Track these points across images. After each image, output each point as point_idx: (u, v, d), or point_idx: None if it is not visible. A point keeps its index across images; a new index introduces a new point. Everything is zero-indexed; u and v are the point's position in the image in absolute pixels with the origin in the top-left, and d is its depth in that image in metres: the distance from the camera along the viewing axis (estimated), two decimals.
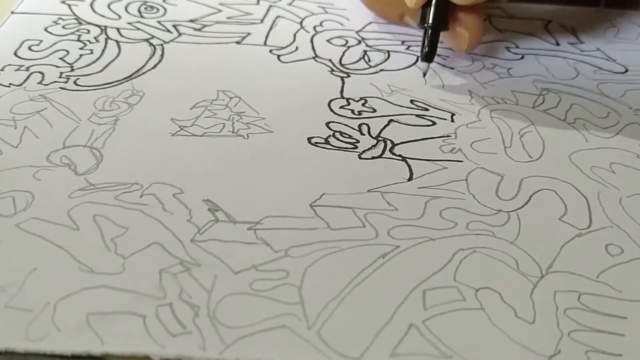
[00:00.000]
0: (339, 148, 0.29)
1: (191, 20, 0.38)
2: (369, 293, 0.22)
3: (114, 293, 0.22)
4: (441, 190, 0.27)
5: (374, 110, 0.31)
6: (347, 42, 0.37)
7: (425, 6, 0.33)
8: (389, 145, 0.29)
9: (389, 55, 0.35)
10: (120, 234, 0.24)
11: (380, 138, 0.29)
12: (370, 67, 0.34)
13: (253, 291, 0.22)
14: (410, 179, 0.27)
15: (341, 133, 0.30)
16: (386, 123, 0.30)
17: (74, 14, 0.37)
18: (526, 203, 0.26)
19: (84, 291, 0.22)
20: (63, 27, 0.36)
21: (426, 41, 0.33)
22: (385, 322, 0.22)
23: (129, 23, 0.37)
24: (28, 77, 0.32)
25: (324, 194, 0.26)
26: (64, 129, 0.29)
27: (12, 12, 0.37)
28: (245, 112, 0.31)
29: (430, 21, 0.32)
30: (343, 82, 0.33)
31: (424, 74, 0.33)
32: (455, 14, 0.33)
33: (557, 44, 0.37)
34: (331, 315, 0.22)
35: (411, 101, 0.32)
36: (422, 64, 0.33)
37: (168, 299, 0.22)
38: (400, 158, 0.28)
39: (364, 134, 0.30)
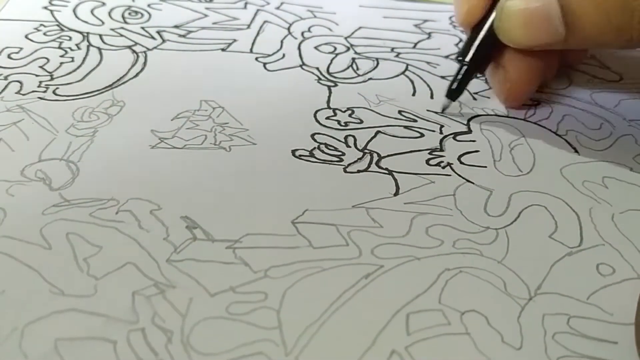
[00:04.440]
0: (324, 161, 0.28)
1: (176, 26, 0.37)
2: (350, 317, 0.22)
3: (84, 317, 0.21)
4: (428, 206, 0.26)
5: (361, 121, 0.30)
6: (335, 49, 0.36)
7: (474, 32, 0.29)
8: (375, 158, 0.28)
9: (377, 63, 0.35)
10: (94, 254, 0.23)
11: (366, 151, 0.29)
12: (359, 75, 0.34)
13: (229, 315, 0.21)
14: (396, 194, 0.27)
15: (326, 145, 0.29)
16: (373, 135, 0.30)
17: (56, 20, 0.37)
18: (515, 220, 0.26)
19: (54, 315, 0.21)
20: (44, 34, 0.35)
21: (457, 77, 0.30)
22: (366, 348, 0.21)
23: (112, 29, 0.36)
24: (6, 87, 0.31)
25: (307, 209, 0.26)
26: (40, 142, 0.28)
27: None
28: (229, 123, 0.30)
29: (468, 58, 0.29)
30: (330, 92, 0.32)
31: (443, 110, 0.31)
32: (502, 57, 0.29)
33: None
34: (310, 341, 0.21)
35: (399, 112, 0.31)
36: (444, 99, 0.30)
37: (140, 324, 0.21)
38: (386, 172, 0.28)
39: (349, 146, 0.29)
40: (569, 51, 0.31)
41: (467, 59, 0.29)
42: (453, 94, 0.30)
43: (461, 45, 0.36)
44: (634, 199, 0.27)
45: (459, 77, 0.30)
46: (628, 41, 0.25)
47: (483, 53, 0.29)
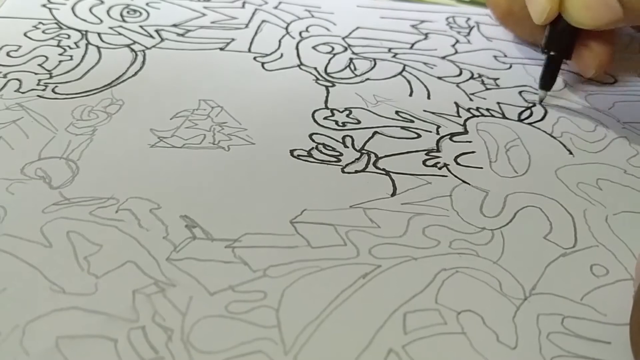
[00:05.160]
0: (322, 161, 0.28)
1: (174, 25, 0.37)
2: (348, 316, 0.22)
3: (85, 315, 0.21)
4: (425, 207, 0.26)
5: (359, 122, 0.31)
6: (333, 49, 0.36)
7: (553, 25, 0.31)
8: (373, 158, 0.29)
9: (375, 64, 0.35)
10: (94, 252, 0.23)
11: (364, 151, 0.29)
12: (356, 75, 0.34)
13: (229, 314, 0.22)
14: (393, 194, 0.27)
15: (324, 145, 0.29)
16: (370, 135, 0.30)
17: (55, 18, 0.37)
18: (511, 221, 0.26)
19: (55, 313, 0.21)
20: (43, 31, 0.35)
21: (547, 67, 0.32)
22: (364, 347, 0.21)
23: (111, 28, 0.36)
24: (5, 85, 0.31)
25: (305, 209, 0.26)
26: (40, 140, 0.28)
27: None
28: (227, 123, 0.30)
29: (554, 48, 0.32)
30: (328, 92, 0.32)
31: (540, 101, 0.33)
32: (584, 39, 0.32)
33: None
34: (309, 340, 0.21)
35: (396, 112, 0.31)
36: (539, 91, 0.33)
37: (141, 322, 0.21)
38: (383, 172, 0.28)
39: (347, 147, 0.29)
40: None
41: (554, 49, 0.32)
42: (546, 84, 0.32)
43: (458, 46, 0.36)
44: (627, 200, 0.27)
45: (549, 67, 0.32)
46: None
47: (566, 40, 0.31)
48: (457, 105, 0.32)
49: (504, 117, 0.31)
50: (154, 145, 0.28)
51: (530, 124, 0.31)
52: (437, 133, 0.30)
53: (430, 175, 0.28)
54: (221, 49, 0.35)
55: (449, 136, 0.30)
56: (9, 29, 0.35)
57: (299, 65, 0.34)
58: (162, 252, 0.24)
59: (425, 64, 0.35)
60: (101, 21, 0.37)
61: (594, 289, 0.24)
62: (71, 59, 0.33)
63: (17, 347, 0.20)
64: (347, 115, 0.31)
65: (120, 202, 0.25)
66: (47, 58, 0.33)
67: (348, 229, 0.25)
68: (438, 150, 0.29)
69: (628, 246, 0.25)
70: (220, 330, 0.21)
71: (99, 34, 0.36)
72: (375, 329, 0.22)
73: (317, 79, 0.33)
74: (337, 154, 0.29)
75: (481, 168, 0.28)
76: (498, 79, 0.34)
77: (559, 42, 0.31)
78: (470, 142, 0.30)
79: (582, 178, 0.28)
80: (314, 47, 0.36)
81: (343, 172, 0.28)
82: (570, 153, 0.30)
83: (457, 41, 0.37)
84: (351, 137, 0.30)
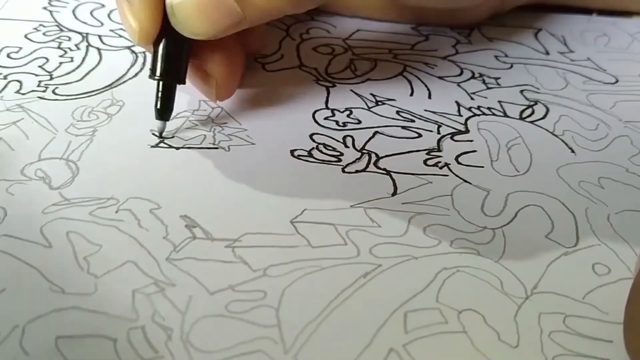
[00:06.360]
0: (323, 161, 0.28)
1: None
2: (349, 315, 0.22)
3: (85, 315, 0.21)
4: (425, 206, 0.26)
5: (359, 122, 0.31)
6: (333, 50, 0.36)
7: (157, 46, 0.27)
8: (374, 158, 0.28)
9: (375, 64, 0.35)
10: (94, 252, 0.23)
11: (364, 151, 0.29)
12: (357, 76, 0.34)
13: (229, 313, 0.22)
14: (394, 194, 0.27)
15: (325, 145, 0.29)
16: (371, 135, 0.30)
17: (56, 21, 0.37)
18: (512, 220, 0.26)
19: (54, 313, 0.21)
20: (44, 34, 0.36)
21: (159, 94, 0.28)
22: (364, 347, 0.21)
23: (111, 30, 0.36)
24: (5, 86, 0.31)
25: (305, 209, 0.26)
26: (40, 141, 0.28)
27: None
28: (228, 123, 0.30)
29: (159, 72, 0.27)
30: (328, 92, 0.32)
31: (160, 134, 0.28)
32: (198, 57, 0.28)
33: (547, 53, 0.36)
34: (309, 339, 0.21)
35: (397, 112, 0.31)
36: (157, 122, 0.28)
37: (140, 322, 0.21)
38: (384, 172, 0.28)
39: (348, 147, 0.29)
40: (249, 39, 0.31)
41: (159, 73, 0.27)
42: (162, 113, 0.28)
43: (459, 47, 0.36)
44: (629, 199, 0.27)
45: (160, 94, 0.28)
46: (299, 1, 0.26)
47: (174, 61, 0.27)
48: (458, 105, 0.32)
49: (506, 115, 0.31)
50: (155, 146, 0.28)
51: (532, 122, 0.31)
52: (438, 132, 0.30)
53: (431, 175, 0.28)
54: None
55: (450, 135, 0.30)
56: (10, 31, 0.35)
57: (299, 66, 0.34)
58: (162, 252, 0.23)
59: (426, 64, 0.35)
60: (102, 24, 0.37)
61: (596, 287, 0.23)
62: (72, 61, 0.34)
63: (17, 347, 0.20)
64: (348, 116, 0.31)
65: (120, 203, 0.25)
66: (47, 60, 0.33)
67: (348, 229, 0.25)
68: (439, 150, 0.29)
69: (630, 245, 0.25)
70: (220, 329, 0.21)
71: (99, 36, 0.36)
72: (376, 328, 0.21)
73: (318, 79, 0.33)
74: (338, 153, 0.29)
75: (482, 167, 0.28)
76: (499, 78, 0.34)
77: (167, 65, 0.27)
78: (471, 141, 0.30)
79: (584, 177, 0.28)
80: (314, 49, 0.36)
81: (344, 171, 0.28)
82: (572, 151, 0.29)
83: (458, 42, 0.37)
84: (352, 137, 0.30)
